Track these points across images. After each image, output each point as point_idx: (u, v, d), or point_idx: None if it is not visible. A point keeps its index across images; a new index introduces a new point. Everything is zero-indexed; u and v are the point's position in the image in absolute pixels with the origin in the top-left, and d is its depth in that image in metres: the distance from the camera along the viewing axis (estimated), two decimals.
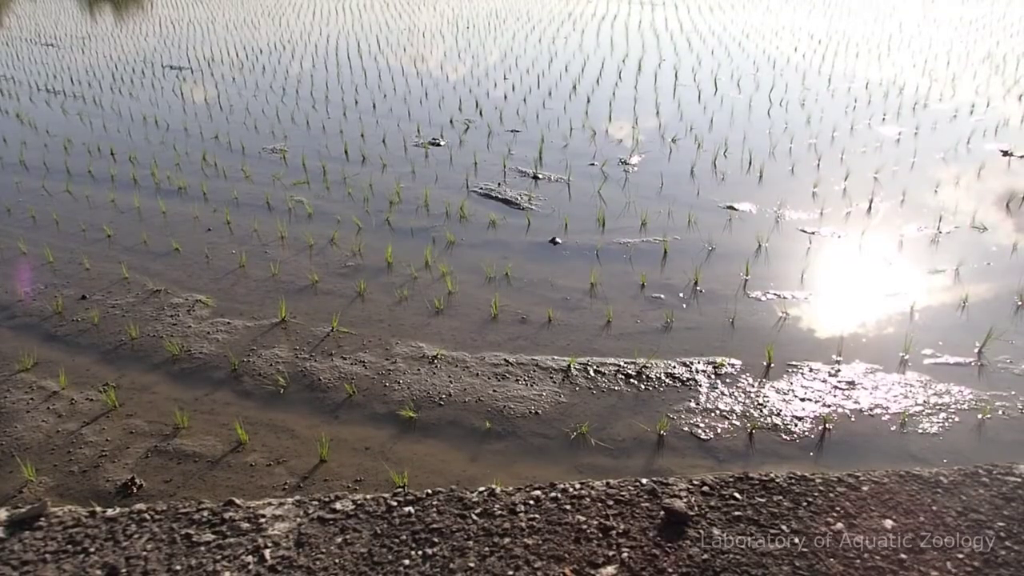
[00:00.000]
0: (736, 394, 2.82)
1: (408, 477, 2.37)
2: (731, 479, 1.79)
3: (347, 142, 6.47)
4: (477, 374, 2.98)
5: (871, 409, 2.73)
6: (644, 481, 1.82)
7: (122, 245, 4.38)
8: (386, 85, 8.87)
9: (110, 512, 2.04)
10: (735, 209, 4.82)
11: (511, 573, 1.69)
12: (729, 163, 5.90)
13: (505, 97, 8.13)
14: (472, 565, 1.73)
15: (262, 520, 1.96)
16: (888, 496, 1.61)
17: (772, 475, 1.76)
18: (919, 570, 1.34)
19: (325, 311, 3.50)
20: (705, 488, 1.70)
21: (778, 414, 2.69)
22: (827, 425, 2.61)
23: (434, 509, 1.97)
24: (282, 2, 19.28)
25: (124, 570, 1.80)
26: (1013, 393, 2.81)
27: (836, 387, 2.86)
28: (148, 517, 2.00)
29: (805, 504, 1.58)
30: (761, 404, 2.75)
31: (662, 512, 1.51)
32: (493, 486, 2.08)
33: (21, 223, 4.79)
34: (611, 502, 1.86)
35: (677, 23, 14.83)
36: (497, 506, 1.96)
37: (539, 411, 2.75)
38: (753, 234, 4.34)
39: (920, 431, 2.60)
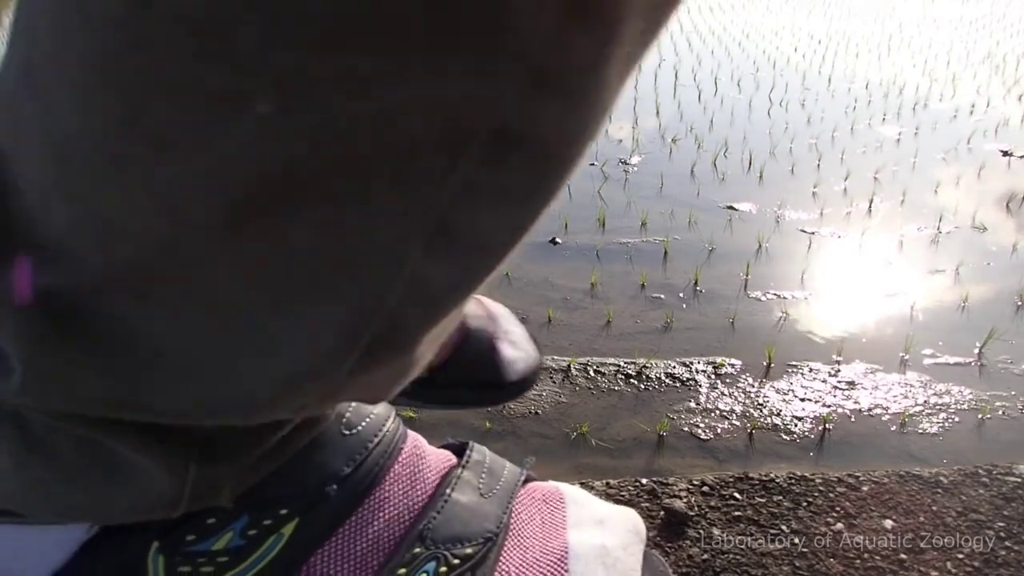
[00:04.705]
0: (736, 394, 2.82)
1: None
2: (731, 479, 1.79)
3: None
4: None
5: (871, 409, 2.72)
6: (644, 481, 1.82)
7: None
8: None
9: None
10: (735, 209, 4.82)
11: None
12: (729, 163, 5.90)
13: None
14: None
15: None
16: (888, 496, 1.61)
17: (772, 475, 1.75)
18: (919, 570, 1.34)
19: None
20: (705, 488, 1.70)
21: (778, 414, 2.69)
22: (827, 425, 2.61)
23: None
24: None
25: None
26: (1013, 393, 2.81)
27: (836, 387, 2.86)
28: None
29: (805, 504, 1.57)
30: (761, 404, 2.75)
31: (662, 512, 1.50)
32: None
33: None
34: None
35: (677, 23, 14.86)
36: None
37: (539, 411, 2.75)
38: (753, 234, 4.34)
39: (920, 431, 2.60)
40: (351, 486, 0.54)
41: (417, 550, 0.52)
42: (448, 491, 0.59)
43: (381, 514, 0.53)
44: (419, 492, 0.57)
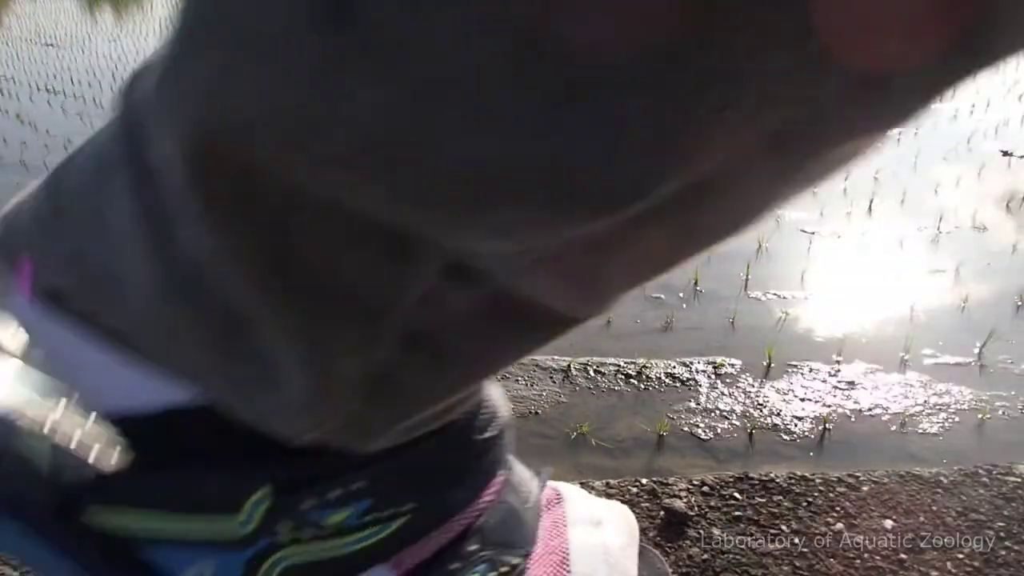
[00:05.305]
0: (736, 394, 2.82)
1: None
2: (731, 479, 1.79)
3: None
4: None
5: (871, 409, 2.72)
6: (644, 481, 1.82)
7: None
8: None
9: None
10: None
11: None
12: None
13: None
14: None
15: None
16: (888, 496, 1.61)
17: (772, 475, 1.76)
18: (919, 570, 1.34)
19: None
20: (705, 488, 1.70)
21: (778, 414, 2.69)
22: (827, 425, 2.61)
23: None
24: None
25: None
26: (1013, 393, 2.81)
27: (836, 387, 2.86)
28: None
29: (805, 504, 1.57)
30: (761, 404, 2.75)
31: (662, 512, 1.50)
32: None
33: None
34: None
35: None
36: None
37: (539, 411, 2.75)
38: (753, 234, 4.34)
39: (920, 431, 2.60)
40: (466, 488, 0.52)
41: (474, 547, 0.50)
42: (504, 494, 0.58)
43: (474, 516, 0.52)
44: (492, 489, 0.56)
